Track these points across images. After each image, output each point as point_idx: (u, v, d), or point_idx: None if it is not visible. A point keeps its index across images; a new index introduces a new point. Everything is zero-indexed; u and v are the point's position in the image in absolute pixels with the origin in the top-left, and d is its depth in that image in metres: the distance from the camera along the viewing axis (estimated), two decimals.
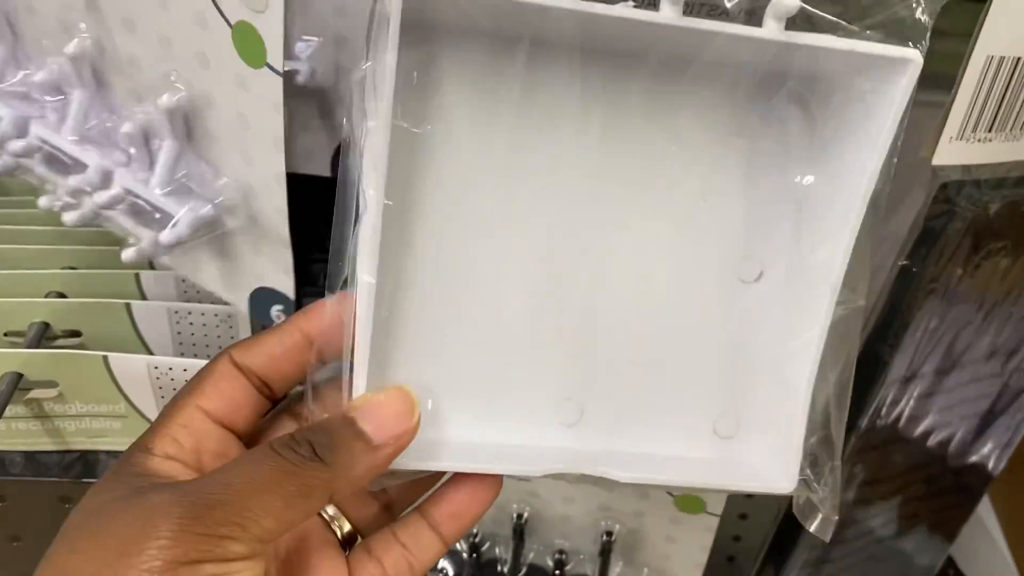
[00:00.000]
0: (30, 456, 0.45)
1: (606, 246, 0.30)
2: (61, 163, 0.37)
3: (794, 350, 0.30)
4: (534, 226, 0.30)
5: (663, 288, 0.31)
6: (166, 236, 0.34)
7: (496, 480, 0.30)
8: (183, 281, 0.45)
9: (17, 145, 0.36)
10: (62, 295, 0.45)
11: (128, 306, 0.43)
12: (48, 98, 0.37)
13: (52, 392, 0.41)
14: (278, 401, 0.31)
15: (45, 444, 0.43)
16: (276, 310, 0.39)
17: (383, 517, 0.33)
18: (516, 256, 0.30)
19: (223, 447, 0.29)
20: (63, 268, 0.46)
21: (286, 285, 0.39)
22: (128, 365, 0.41)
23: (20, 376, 0.40)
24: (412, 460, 0.28)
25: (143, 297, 0.45)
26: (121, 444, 0.43)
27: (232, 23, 0.30)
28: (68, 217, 0.37)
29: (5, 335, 0.43)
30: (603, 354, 0.31)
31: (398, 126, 0.26)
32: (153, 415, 0.43)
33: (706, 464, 0.32)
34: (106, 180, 0.36)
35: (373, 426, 0.27)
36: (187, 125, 0.35)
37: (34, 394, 0.41)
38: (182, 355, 0.45)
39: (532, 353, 0.31)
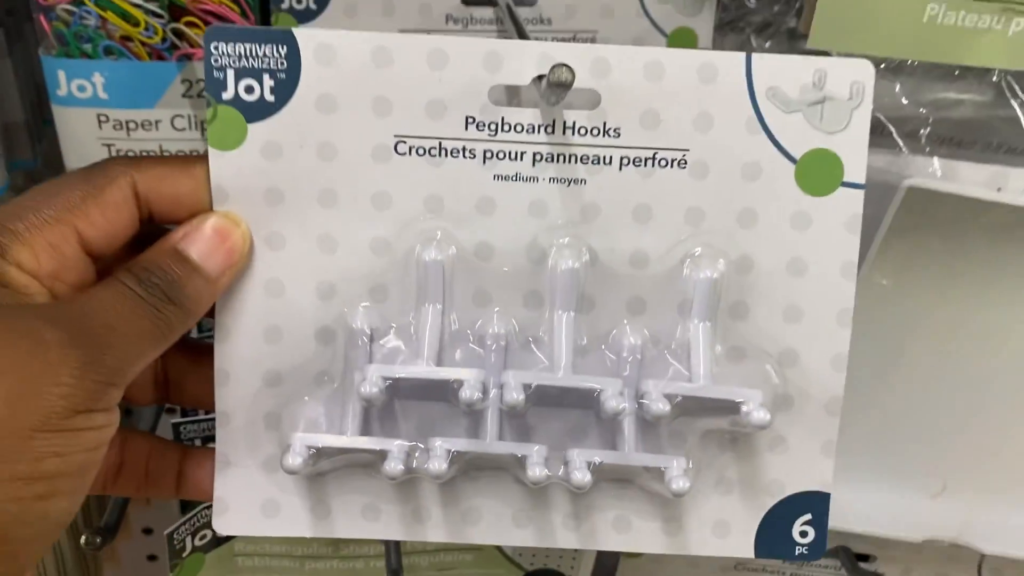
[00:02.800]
0: None
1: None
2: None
3: None
4: None
5: None
6: (758, 416, 0.28)
7: None
8: None
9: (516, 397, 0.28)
10: None
11: None
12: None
13: None
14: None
15: None
16: (803, 522, 0.31)
17: (155, 394, 0.32)
18: None
19: (83, 279, 0.27)
20: None
21: (823, 475, 0.30)
22: None
23: None
24: None
25: None
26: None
27: (797, 157, 0.29)
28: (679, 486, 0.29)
29: None
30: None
31: None
32: None
33: None
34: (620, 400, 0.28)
35: (202, 255, 0.27)
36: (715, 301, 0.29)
37: None
38: None
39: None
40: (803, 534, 0.31)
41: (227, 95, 0.28)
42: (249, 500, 0.30)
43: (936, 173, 0.36)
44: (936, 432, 0.41)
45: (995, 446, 0.41)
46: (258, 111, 0.28)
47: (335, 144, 0.29)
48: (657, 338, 0.30)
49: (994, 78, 0.39)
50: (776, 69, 0.29)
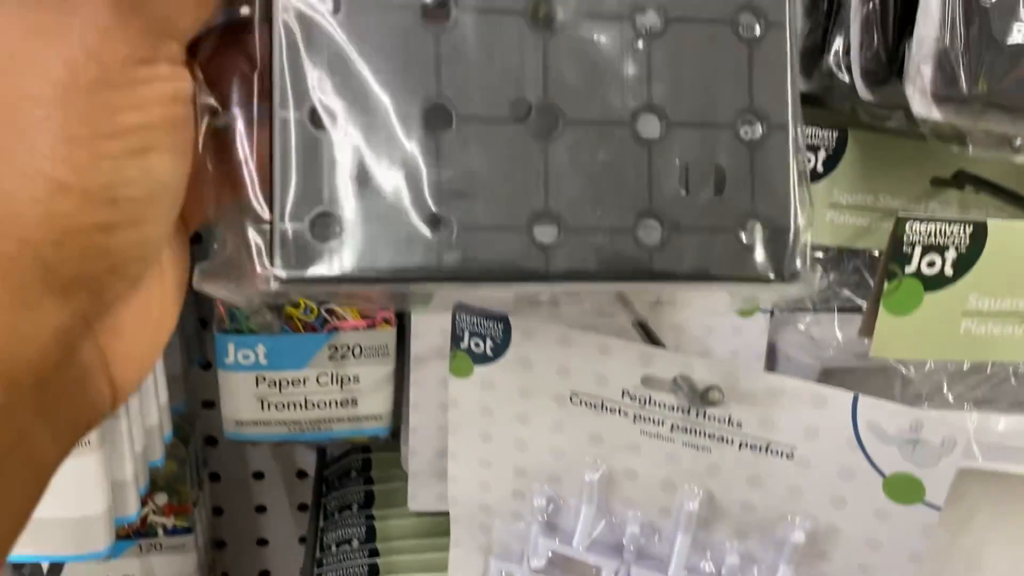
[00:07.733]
0: None
1: None
2: None
3: None
4: None
5: None
6: None
7: None
8: None
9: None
10: None
11: None
12: None
13: None
14: None
15: None
16: None
17: None
18: None
19: None
20: None
21: None
22: None
23: None
24: None
25: None
26: None
27: (887, 474, 0.35)
28: None
29: None
30: None
31: None
32: None
33: None
34: None
35: None
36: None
37: None
38: None
39: None
40: None
41: (463, 345, 0.40)
42: None
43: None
44: None
45: None
46: (483, 359, 0.40)
47: (530, 389, 0.40)
48: (751, 556, 0.39)
49: None
50: (878, 410, 0.34)
